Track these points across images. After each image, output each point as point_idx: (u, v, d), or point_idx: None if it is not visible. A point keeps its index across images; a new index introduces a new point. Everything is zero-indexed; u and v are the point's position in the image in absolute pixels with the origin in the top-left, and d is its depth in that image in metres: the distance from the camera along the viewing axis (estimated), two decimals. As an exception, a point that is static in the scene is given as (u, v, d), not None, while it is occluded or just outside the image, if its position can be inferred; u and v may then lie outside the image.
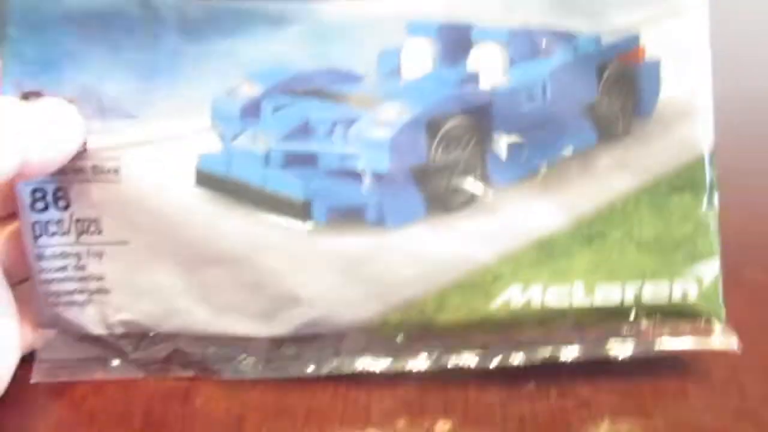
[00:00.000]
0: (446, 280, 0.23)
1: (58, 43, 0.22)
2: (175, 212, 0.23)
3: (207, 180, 0.23)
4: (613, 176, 0.24)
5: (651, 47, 0.24)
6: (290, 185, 0.23)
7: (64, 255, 0.23)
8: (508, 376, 0.23)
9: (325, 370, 0.24)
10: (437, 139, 0.24)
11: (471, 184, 0.24)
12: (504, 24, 0.24)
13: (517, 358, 0.24)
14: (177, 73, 0.23)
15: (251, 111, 0.24)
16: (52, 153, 0.21)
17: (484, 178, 0.24)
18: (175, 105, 0.24)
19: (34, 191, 0.23)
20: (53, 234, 0.23)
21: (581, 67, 0.24)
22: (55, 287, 0.23)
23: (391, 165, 0.23)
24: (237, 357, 0.24)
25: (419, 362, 0.24)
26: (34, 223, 0.23)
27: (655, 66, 0.24)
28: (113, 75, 0.23)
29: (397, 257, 0.23)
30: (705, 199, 0.24)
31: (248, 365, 0.24)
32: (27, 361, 0.24)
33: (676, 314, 0.24)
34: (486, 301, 0.23)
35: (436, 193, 0.24)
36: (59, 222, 0.23)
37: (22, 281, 0.24)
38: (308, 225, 0.23)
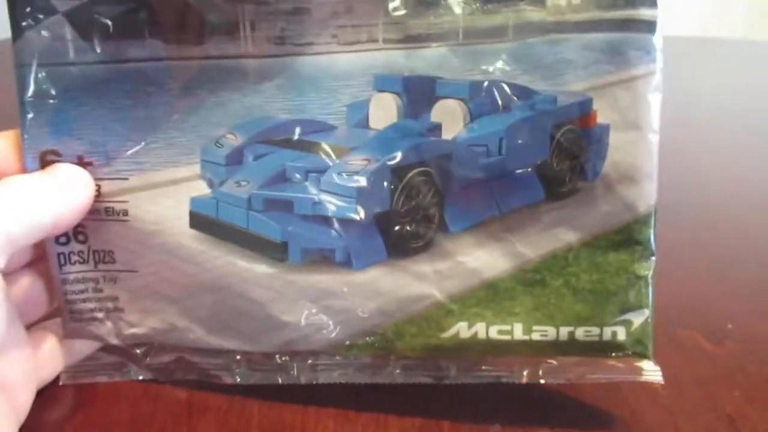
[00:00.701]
0: (404, 313, 0.27)
1: (68, 111, 0.26)
2: (173, 248, 0.28)
3: (199, 221, 0.28)
4: (557, 230, 0.27)
5: (602, 113, 0.26)
6: (269, 228, 0.27)
7: (84, 280, 0.28)
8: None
9: (304, 379, 0.29)
10: (400, 188, 0.27)
11: (428, 230, 0.27)
12: (466, 77, 0.26)
13: (468, 379, 0.28)
14: (171, 126, 0.27)
15: (235, 159, 0.28)
16: (42, 221, 0.24)
17: (440, 225, 0.27)
18: (171, 154, 0.27)
19: (57, 228, 0.28)
20: (75, 262, 0.28)
21: (536, 124, 0.26)
22: (78, 306, 0.29)
23: (358, 212, 0.27)
24: (231, 366, 0.29)
25: (384, 378, 0.28)
26: (59, 254, 0.28)
27: (605, 131, 0.26)
28: (117, 130, 0.27)
29: (361, 293, 0.27)
30: (640, 257, 0.26)
31: (242, 373, 0.29)
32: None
33: (606, 351, 0.27)
34: (438, 332, 0.27)
35: (397, 238, 0.27)
36: (79, 252, 0.28)
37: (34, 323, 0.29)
38: (285, 263, 0.27)
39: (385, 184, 0.27)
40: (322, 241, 0.27)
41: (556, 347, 0.27)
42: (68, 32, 0.26)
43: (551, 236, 0.27)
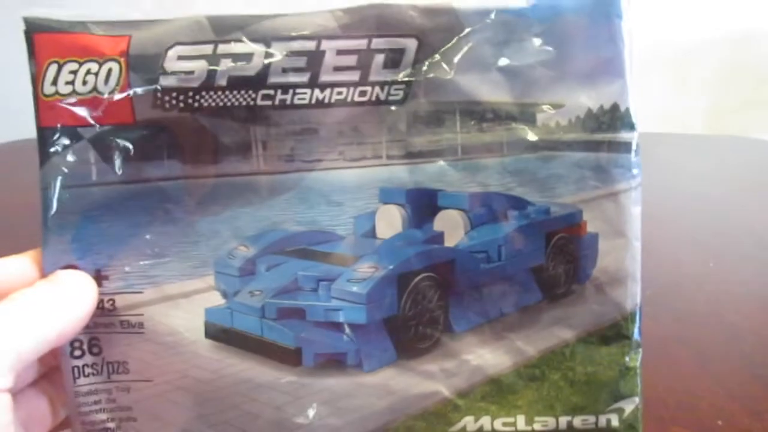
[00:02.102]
0: (413, 410, 0.30)
1: (88, 228, 0.28)
2: (188, 358, 0.29)
3: (214, 330, 0.30)
4: (554, 328, 0.30)
5: (591, 222, 0.29)
6: (283, 335, 0.29)
7: (97, 391, 0.30)
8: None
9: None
10: (406, 293, 0.30)
11: (434, 332, 0.30)
12: (465, 189, 0.30)
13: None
14: (185, 241, 0.29)
15: (248, 270, 0.30)
16: (50, 333, 0.26)
17: (446, 326, 0.30)
18: (184, 267, 0.29)
19: (72, 342, 0.29)
20: (89, 374, 0.30)
21: (532, 233, 0.30)
22: (90, 417, 0.30)
23: (367, 317, 0.29)
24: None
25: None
26: (73, 367, 0.29)
27: (594, 239, 0.29)
28: (134, 245, 0.29)
29: (372, 393, 0.30)
30: (628, 350, 0.29)
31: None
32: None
33: (602, 436, 0.30)
34: (446, 426, 0.30)
35: (405, 341, 0.30)
36: (93, 365, 0.30)
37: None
38: (300, 368, 0.29)
39: (393, 289, 0.29)
40: (334, 346, 0.29)
41: (555, 437, 0.30)
42: (92, 156, 0.28)
43: (549, 334, 0.30)
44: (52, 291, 0.27)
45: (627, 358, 0.30)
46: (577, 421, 0.30)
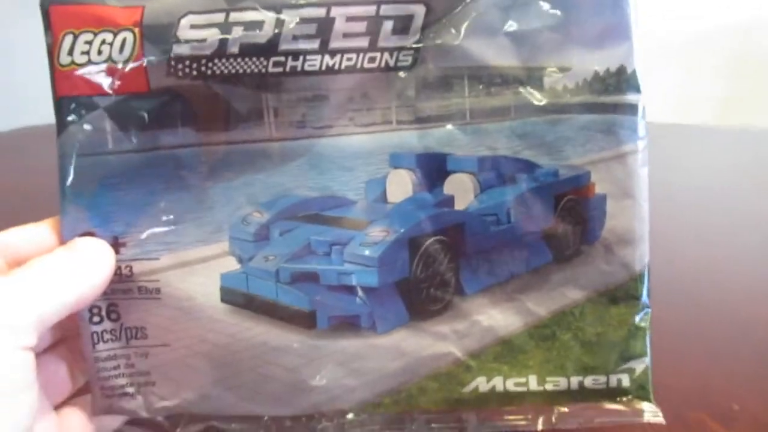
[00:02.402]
0: (426, 371, 0.30)
1: (105, 196, 0.29)
2: (205, 322, 0.30)
3: (230, 295, 0.30)
4: (564, 289, 0.30)
5: (599, 184, 0.30)
6: (298, 299, 0.30)
7: (116, 356, 0.31)
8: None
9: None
10: (417, 256, 0.30)
11: (446, 294, 0.31)
12: (474, 153, 0.30)
13: (488, 429, 0.31)
14: (200, 207, 0.30)
15: (262, 235, 0.31)
16: (69, 297, 0.26)
17: (457, 288, 0.31)
18: (200, 233, 0.30)
19: (91, 308, 0.30)
20: (107, 340, 0.30)
21: (541, 195, 0.30)
22: (109, 383, 0.31)
23: (379, 280, 0.30)
24: (261, 431, 0.32)
25: (408, 430, 0.31)
26: (92, 333, 0.30)
27: (603, 200, 0.30)
28: (150, 212, 0.30)
29: (386, 355, 0.30)
30: (637, 311, 0.30)
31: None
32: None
33: (612, 396, 0.31)
34: (459, 387, 0.31)
35: (417, 303, 0.30)
36: (112, 331, 0.30)
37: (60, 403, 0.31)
38: (314, 331, 0.30)
39: (404, 253, 0.30)
40: (348, 309, 0.30)
41: (567, 395, 0.31)
42: (108, 125, 0.28)
43: (559, 295, 0.30)
44: (70, 257, 0.28)
45: (636, 318, 0.30)
46: (588, 381, 0.30)
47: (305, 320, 0.30)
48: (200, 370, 0.31)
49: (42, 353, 0.30)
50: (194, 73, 0.29)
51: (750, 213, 0.61)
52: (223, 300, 0.30)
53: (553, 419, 0.31)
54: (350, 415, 0.32)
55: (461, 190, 0.31)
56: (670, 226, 0.54)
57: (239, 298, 0.30)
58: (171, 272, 0.30)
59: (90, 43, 0.28)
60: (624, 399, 0.31)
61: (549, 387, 0.30)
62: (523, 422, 0.31)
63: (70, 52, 0.28)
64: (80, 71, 0.28)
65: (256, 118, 0.30)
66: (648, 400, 0.31)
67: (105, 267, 0.29)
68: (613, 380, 0.30)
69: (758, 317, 0.44)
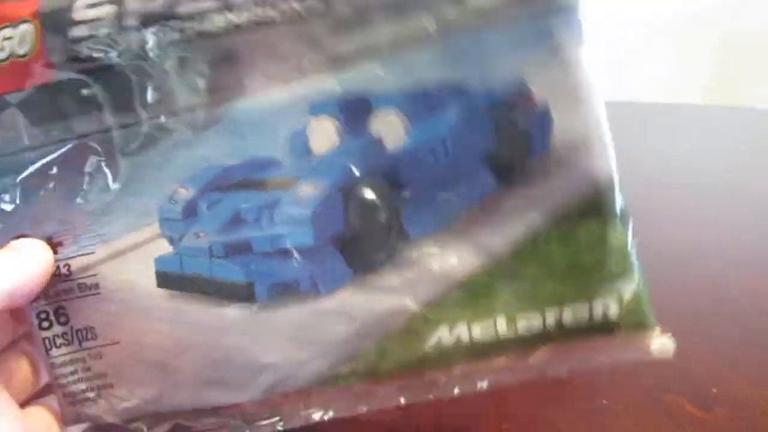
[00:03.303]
0: (381, 332, 0.28)
1: (32, 195, 0.29)
2: (146, 312, 0.29)
3: (166, 279, 0.29)
4: (519, 215, 0.27)
5: (538, 90, 0.26)
6: (233, 272, 0.28)
7: (72, 361, 0.30)
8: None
9: (300, 422, 0.29)
10: (352, 207, 0.28)
11: (388, 241, 0.28)
12: (399, 87, 0.28)
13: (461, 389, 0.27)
14: (126, 192, 0.29)
15: (190, 212, 0.29)
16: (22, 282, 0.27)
17: (401, 234, 0.28)
18: (130, 220, 0.29)
19: (39, 314, 0.30)
20: (60, 345, 0.30)
21: (476, 119, 0.27)
22: (70, 388, 0.30)
23: (315, 238, 0.28)
24: (227, 423, 0.30)
25: (379, 403, 0.28)
26: (44, 339, 0.30)
27: (545, 107, 0.26)
28: (78, 206, 0.29)
29: (334, 319, 0.28)
30: (612, 224, 0.26)
31: (239, 427, 0.30)
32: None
33: (602, 330, 0.26)
34: (420, 344, 0.27)
35: (358, 256, 0.28)
36: (63, 334, 0.30)
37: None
38: (255, 304, 0.28)
39: (337, 205, 0.28)
40: (286, 274, 0.28)
41: (545, 337, 0.26)
42: (20, 121, 0.29)
43: (515, 223, 0.27)
44: (4, 254, 0.28)
45: (611, 235, 0.26)
46: (567, 315, 0.26)
47: (243, 293, 0.28)
48: (151, 365, 0.30)
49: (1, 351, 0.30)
50: (95, 54, 0.29)
51: (739, 192, 0.59)
52: (159, 285, 0.29)
53: (530, 360, 0.27)
54: (314, 395, 0.29)
55: (390, 129, 0.28)
56: (656, 205, 0.53)
57: (176, 281, 0.29)
58: (106, 264, 0.29)
59: None
60: (619, 332, 0.26)
61: (522, 328, 0.26)
62: (504, 373, 0.27)
63: None
64: None
65: (168, 89, 0.29)
66: (648, 325, 0.26)
67: (42, 259, 0.28)
68: (598, 309, 0.26)
69: (744, 298, 0.41)
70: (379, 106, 0.28)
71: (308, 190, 0.28)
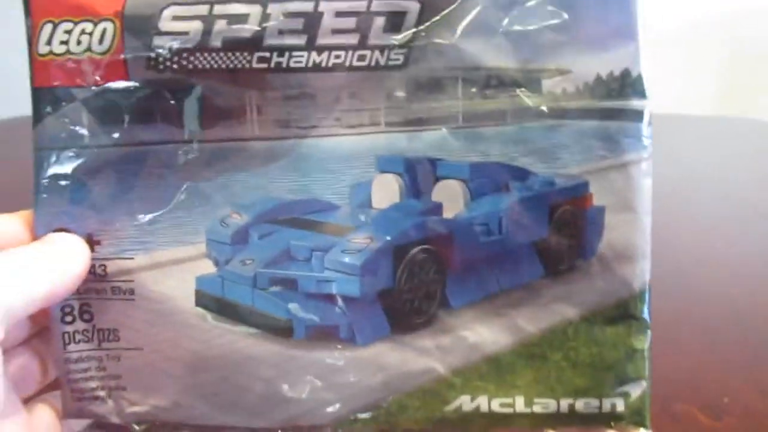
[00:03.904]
0: (407, 387, 0.29)
1: (80, 192, 0.29)
2: (178, 326, 0.30)
3: (204, 299, 0.30)
4: (556, 305, 0.29)
5: (598, 195, 0.28)
6: (274, 306, 0.29)
7: (88, 358, 0.30)
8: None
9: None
10: (402, 266, 0.29)
11: (430, 306, 0.30)
12: (466, 158, 0.29)
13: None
14: (177, 207, 0.29)
15: (240, 238, 0.30)
16: (39, 291, 0.26)
17: (442, 302, 0.30)
18: (176, 233, 0.30)
19: (63, 308, 0.30)
20: (79, 341, 0.30)
21: (535, 205, 0.29)
22: (80, 385, 0.30)
23: (361, 289, 0.29)
24: (235, 441, 0.31)
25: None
26: (64, 333, 0.30)
27: (601, 212, 0.28)
28: (126, 210, 0.29)
29: (365, 368, 0.29)
30: (636, 331, 0.29)
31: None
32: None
33: (605, 421, 0.29)
34: (441, 405, 0.29)
35: (399, 315, 0.29)
36: (84, 331, 0.30)
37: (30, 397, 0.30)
38: (290, 340, 0.29)
39: (388, 262, 0.29)
40: (326, 318, 0.29)
41: (557, 419, 0.29)
42: (85, 118, 0.28)
43: (551, 312, 0.29)
44: (44, 251, 0.27)
45: (634, 340, 0.29)
46: (580, 405, 0.29)
47: (282, 329, 0.29)
48: (172, 377, 0.30)
49: (14, 346, 0.29)
50: (175, 66, 0.28)
51: (748, 203, 0.61)
52: (197, 304, 0.30)
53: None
54: (327, 430, 0.31)
55: (451, 197, 0.30)
56: (667, 217, 0.54)
57: (214, 303, 0.30)
58: (145, 273, 0.29)
59: (69, 32, 0.28)
60: (618, 424, 0.29)
61: (537, 409, 0.29)
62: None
63: (49, 42, 0.28)
64: (58, 61, 0.28)
65: (239, 115, 0.29)
66: (644, 426, 0.29)
67: (79, 262, 0.28)
68: (607, 404, 0.29)
69: (755, 308, 0.43)
70: (443, 173, 0.30)
71: (362, 242, 0.29)
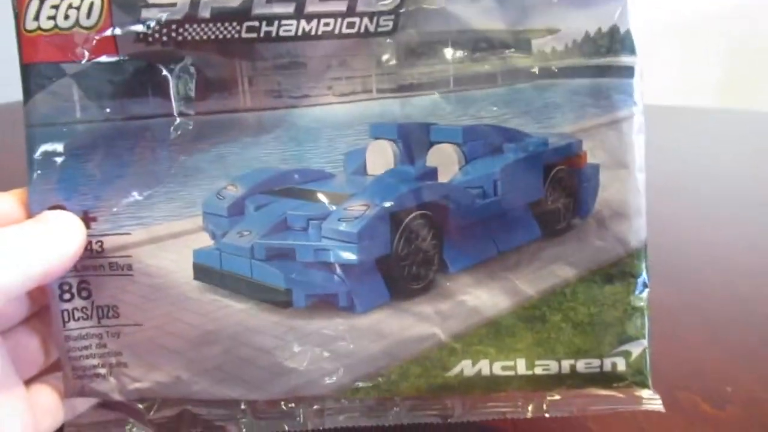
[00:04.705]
0: (407, 354, 0.30)
1: (74, 168, 0.29)
2: (177, 300, 0.30)
3: (203, 272, 0.30)
4: (554, 266, 0.29)
5: (591, 153, 0.28)
6: (273, 276, 0.30)
7: (88, 336, 0.30)
8: None
9: (310, 425, 0.31)
10: (399, 232, 0.29)
11: (428, 272, 0.30)
12: (459, 122, 0.29)
13: (474, 416, 0.30)
14: (172, 181, 0.30)
15: (236, 210, 0.30)
16: (34, 268, 0.26)
17: (440, 266, 0.30)
18: (172, 207, 0.30)
19: (62, 285, 0.30)
20: (78, 318, 0.30)
21: (530, 166, 0.29)
22: (81, 363, 0.30)
23: (359, 256, 0.29)
24: (237, 416, 0.31)
25: (390, 419, 0.30)
26: (62, 311, 0.30)
27: (595, 170, 0.28)
28: (121, 185, 0.29)
29: (365, 336, 0.29)
30: (635, 289, 0.29)
31: (247, 423, 0.31)
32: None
33: (607, 382, 0.29)
34: (442, 371, 0.30)
35: (398, 281, 0.30)
36: (83, 308, 0.30)
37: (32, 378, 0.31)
38: (289, 310, 0.29)
39: (385, 228, 0.29)
40: (325, 287, 0.29)
41: (558, 380, 0.29)
42: (76, 93, 0.28)
43: (549, 273, 0.29)
44: (38, 228, 0.28)
45: (632, 298, 0.29)
46: (581, 365, 0.29)
47: (281, 299, 0.29)
48: (173, 351, 0.30)
49: (13, 327, 0.30)
50: (165, 39, 0.28)
51: (750, 194, 0.61)
52: (195, 277, 0.30)
53: (544, 406, 0.30)
54: (329, 402, 0.31)
55: (445, 161, 0.30)
56: (669, 208, 0.55)
57: (212, 276, 0.30)
58: (143, 248, 0.30)
59: (56, 7, 0.28)
60: (619, 385, 0.29)
61: (538, 371, 0.29)
62: (511, 410, 0.30)
63: (36, 17, 0.28)
64: (47, 37, 0.28)
65: (230, 86, 0.29)
66: (646, 386, 0.29)
67: (75, 239, 0.28)
68: (608, 364, 0.29)
69: (758, 298, 0.43)
70: (437, 137, 0.30)
71: (359, 209, 0.29)
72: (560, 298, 0.29)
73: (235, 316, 0.30)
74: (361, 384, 0.30)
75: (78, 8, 0.28)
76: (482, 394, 0.30)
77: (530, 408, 0.30)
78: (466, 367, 0.30)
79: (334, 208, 0.30)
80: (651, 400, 0.29)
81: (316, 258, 0.29)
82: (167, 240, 0.30)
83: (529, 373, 0.29)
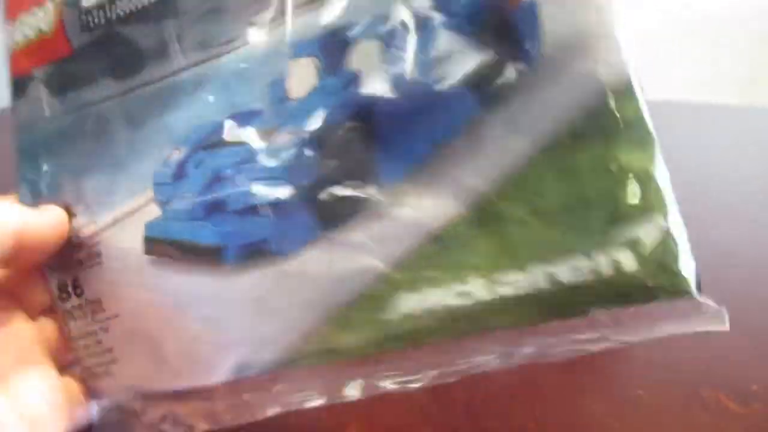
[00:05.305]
0: (345, 298, 0.23)
1: (52, 164, 0.30)
2: (136, 281, 0.28)
3: (152, 245, 0.28)
4: (504, 143, 0.20)
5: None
6: (206, 233, 0.26)
7: (87, 334, 0.30)
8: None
9: (271, 411, 0.25)
10: (325, 151, 0.24)
11: (359, 189, 0.23)
12: (378, 17, 0.24)
13: (449, 377, 0.21)
14: (129, 159, 0.29)
15: (180, 174, 0.28)
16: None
17: (372, 179, 0.23)
18: (131, 186, 0.29)
19: (60, 285, 0.30)
20: (77, 318, 0.30)
21: (452, 32, 0.22)
22: (85, 363, 0.30)
23: (286, 190, 0.24)
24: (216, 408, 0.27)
25: (350, 391, 0.23)
26: (63, 312, 0.30)
27: (532, 7, 0.20)
28: (90, 175, 0.30)
29: (295, 283, 0.24)
30: (623, 143, 0.18)
31: (223, 416, 0.27)
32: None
33: (617, 294, 0.19)
34: (387, 314, 0.22)
35: (326, 208, 0.24)
36: (79, 306, 0.30)
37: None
38: (224, 268, 0.25)
39: (311, 152, 0.24)
40: (256, 234, 0.25)
41: (537, 302, 0.20)
42: (42, 93, 0.30)
43: (500, 152, 0.21)
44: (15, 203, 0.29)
45: (622, 154, 0.19)
46: (563, 272, 0.19)
47: (213, 256, 0.26)
48: (143, 339, 0.28)
49: (44, 312, 0.30)
50: (102, 21, 0.29)
51: None
52: (146, 252, 0.28)
53: (525, 350, 0.20)
54: (278, 386, 0.25)
55: (367, 60, 0.24)
56: (691, 205, 0.42)
57: (162, 247, 0.28)
58: (107, 232, 0.29)
59: (27, 21, 0.31)
60: (643, 297, 0.18)
61: (504, 291, 0.20)
62: (487, 357, 0.21)
63: (18, 34, 0.31)
64: (22, 50, 0.31)
65: (163, 51, 0.28)
66: (685, 290, 0.18)
67: (55, 216, 0.29)
68: (605, 263, 0.18)
69: None
70: (354, 39, 0.25)
71: (283, 140, 0.25)
72: (520, 184, 0.20)
73: (181, 288, 0.27)
74: (301, 347, 0.24)
75: (40, 17, 0.31)
76: (445, 345, 0.21)
77: (502, 353, 0.20)
78: (413, 303, 0.22)
79: (263, 145, 0.26)
80: (707, 314, 0.17)
81: (245, 203, 0.25)
82: (125, 220, 0.29)
83: (492, 297, 0.20)
